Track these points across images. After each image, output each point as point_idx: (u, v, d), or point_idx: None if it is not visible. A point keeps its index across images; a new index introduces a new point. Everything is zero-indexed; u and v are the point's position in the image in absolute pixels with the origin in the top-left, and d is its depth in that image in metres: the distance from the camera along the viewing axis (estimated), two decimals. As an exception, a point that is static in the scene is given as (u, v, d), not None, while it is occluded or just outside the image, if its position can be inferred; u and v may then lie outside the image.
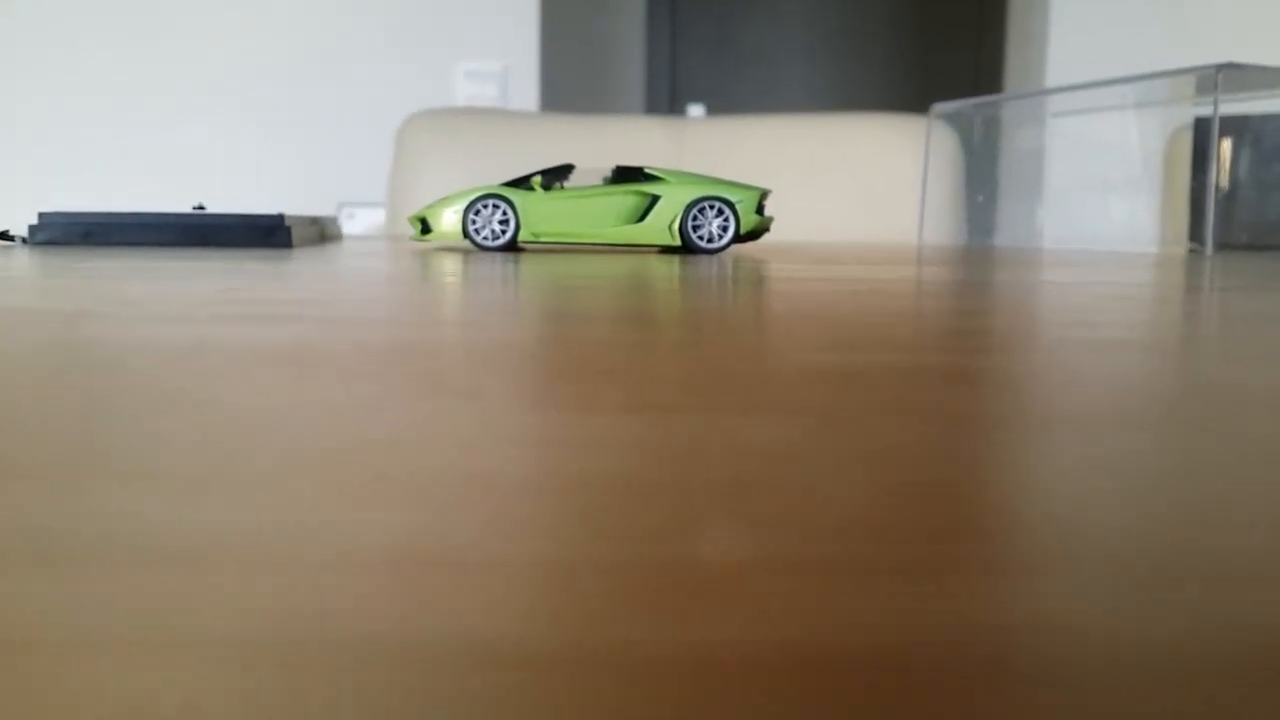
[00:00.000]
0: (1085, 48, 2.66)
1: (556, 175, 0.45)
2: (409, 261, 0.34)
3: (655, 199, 0.43)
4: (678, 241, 0.43)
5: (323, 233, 0.54)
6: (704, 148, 1.12)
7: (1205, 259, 0.48)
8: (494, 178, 1.09)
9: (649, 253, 0.44)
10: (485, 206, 0.43)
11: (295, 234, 0.46)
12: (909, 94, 3.33)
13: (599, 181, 0.46)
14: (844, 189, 1.11)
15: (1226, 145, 0.71)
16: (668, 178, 0.44)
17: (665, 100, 3.35)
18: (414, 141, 1.11)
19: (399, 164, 1.11)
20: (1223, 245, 0.74)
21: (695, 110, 3.35)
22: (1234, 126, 0.71)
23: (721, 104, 3.35)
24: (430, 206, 0.43)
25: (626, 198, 0.43)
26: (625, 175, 0.44)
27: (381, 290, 0.21)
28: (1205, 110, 0.74)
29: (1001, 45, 3.21)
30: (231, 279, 0.24)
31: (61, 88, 2.38)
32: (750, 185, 0.44)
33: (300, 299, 0.19)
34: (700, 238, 0.43)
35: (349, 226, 2.29)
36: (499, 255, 0.41)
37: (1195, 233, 0.77)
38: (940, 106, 0.65)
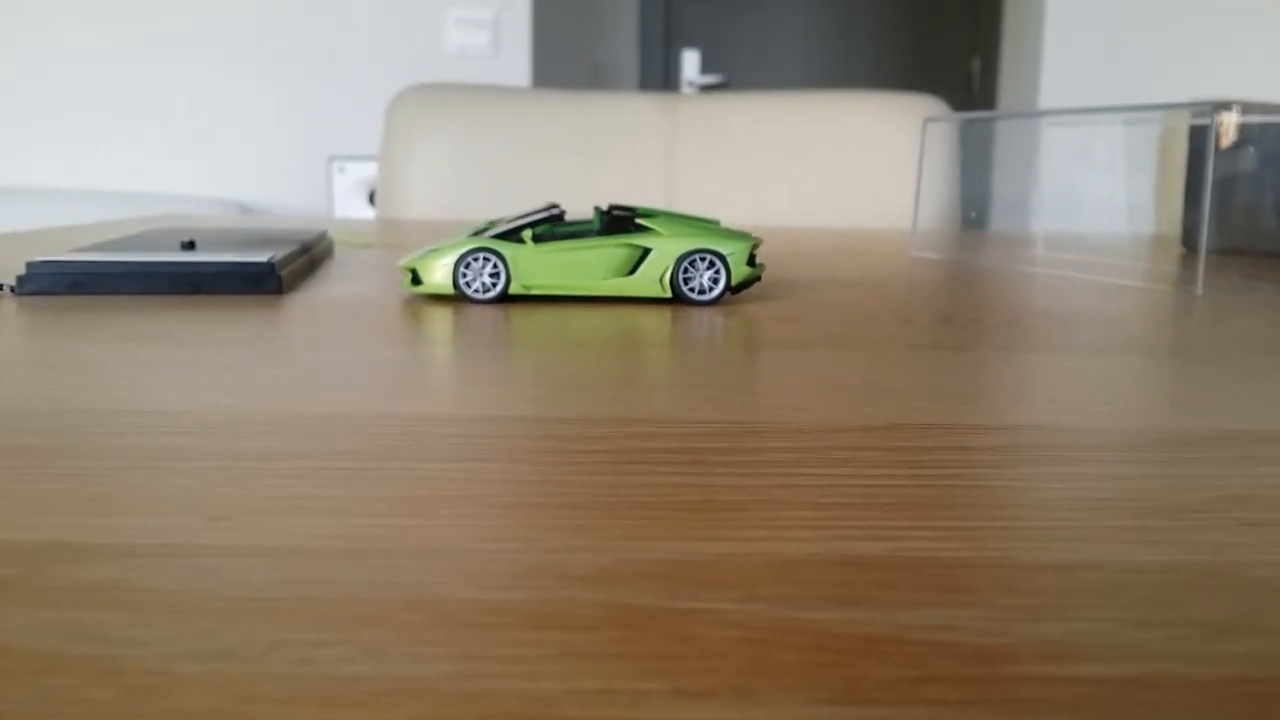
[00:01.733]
0: (1082, 16, 2.63)
1: (546, 221, 0.45)
2: (400, 329, 0.34)
3: (646, 251, 0.43)
4: (669, 294, 0.43)
5: (312, 260, 0.54)
6: (696, 124, 1.11)
7: (1195, 296, 0.48)
8: (484, 154, 1.09)
9: (640, 305, 0.44)
10: (476, 259, 0.43)
11: (288, 275, 0.46)
12: (904, 45, 3.29)
13: (588, 224, 0.46)
14: (837, 168, 1.10)
15: (1230, 149, 0.71)
16: (659, 229, 0.43)
17: (660, 45, 3.30)
18: (404, 116, 1.10)
19: (389, 139, 1.10)
20: (1221, 250, 0.74)
21: (690, 56, 3.31)
22: (1230, 131, 0.71)
23: (716, 48, 3.31)
24: (421, 257, 0.43)
25: (617, 250, 0.43)
26: (616, 225, 0.44)
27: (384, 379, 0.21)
28: (1202, 120, 0.73)
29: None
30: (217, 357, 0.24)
31: (51, 40, 2.33)
32: (742, 235, 0.44)
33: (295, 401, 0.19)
34: (691, 290, 0.43)
35: (340, 180, 2.27)
36: (493, 311, 0.41)
37: (1186, 238, 0.77)
38: (931, 122, 0.65)
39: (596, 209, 0.46)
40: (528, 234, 0.43)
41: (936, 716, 0.12)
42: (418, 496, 0.19)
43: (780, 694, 0.12)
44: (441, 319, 0.39)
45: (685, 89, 3.30)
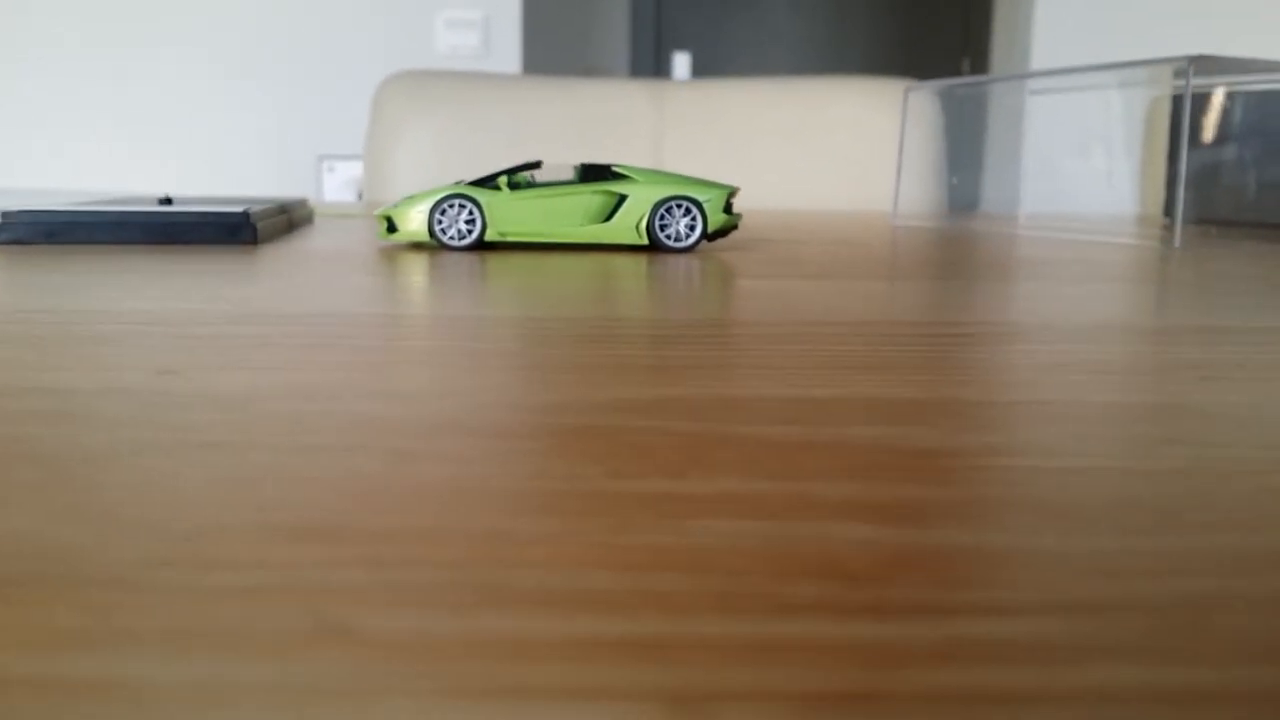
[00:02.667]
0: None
1: (524, 172, 0.45)
2: (377, 265, 0.34)
3: (622, 198, 0.43)
4: (645, 241, 0.43)
5: (290, 220, 0.54)
6: (685, 111, 1.11)
7: (1172, 248, 0.48)
8: (472, 141, 1.09)
9: (617, 251, 0.44)
10: (451, 206, 0.42)
11: (264, 227, 0.46)
12: (895, 44, 3.30)
13: (566, 178, 0.46)
14: (826, 153, 1.10)
15: (1212, 118, 0.71)
16: (635, 176, 0.43)
17: (650, 47, 3.31)
18: (391, 104, 1.10)
19: (375, 126, 1.10)
20: (1201, 220, 0.74)
21: (680, 58, 3.31)
22: (1213, 101, 0.71)
23: (707, 51, 3.32)
24: (396, 206, 0.43)
25: (594, 197, 0.43)
26: (592, 173, 0.44)
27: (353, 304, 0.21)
28: (1178, 81, 0.73)
29: (990, -6, 3.18)
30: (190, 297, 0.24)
31: (40, 41, 2.33)
32: (718, 184, 0.44)
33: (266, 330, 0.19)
34: (668, 237, 0.43)
35: (329, 179, 2.27)
36: (469, 256, 0.41)
37: (1169, 208, 0.77)
38: (914, 89, 0.65)
39: (574, 167, 0.46)
40: (503, 181, 0.43)
41: (869, 490, 0.12)
42: (376, 362, 0.19)
43: (713, 478, 0.12)
44: (417, 261, 0.39)
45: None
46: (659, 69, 3.33)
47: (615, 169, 0.44)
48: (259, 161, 2.39)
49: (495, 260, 0.39)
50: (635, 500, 0.11)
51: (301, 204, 0.60)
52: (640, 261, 0.39)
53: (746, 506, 0.11)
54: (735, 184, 1.10)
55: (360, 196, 2.32)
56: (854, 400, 0.16)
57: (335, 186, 2.26)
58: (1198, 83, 0.69)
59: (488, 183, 0.43)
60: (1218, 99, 0.71)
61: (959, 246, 0.50)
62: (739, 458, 0.13)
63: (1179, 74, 0.59)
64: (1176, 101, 0.74)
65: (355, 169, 2.26)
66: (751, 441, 0.14)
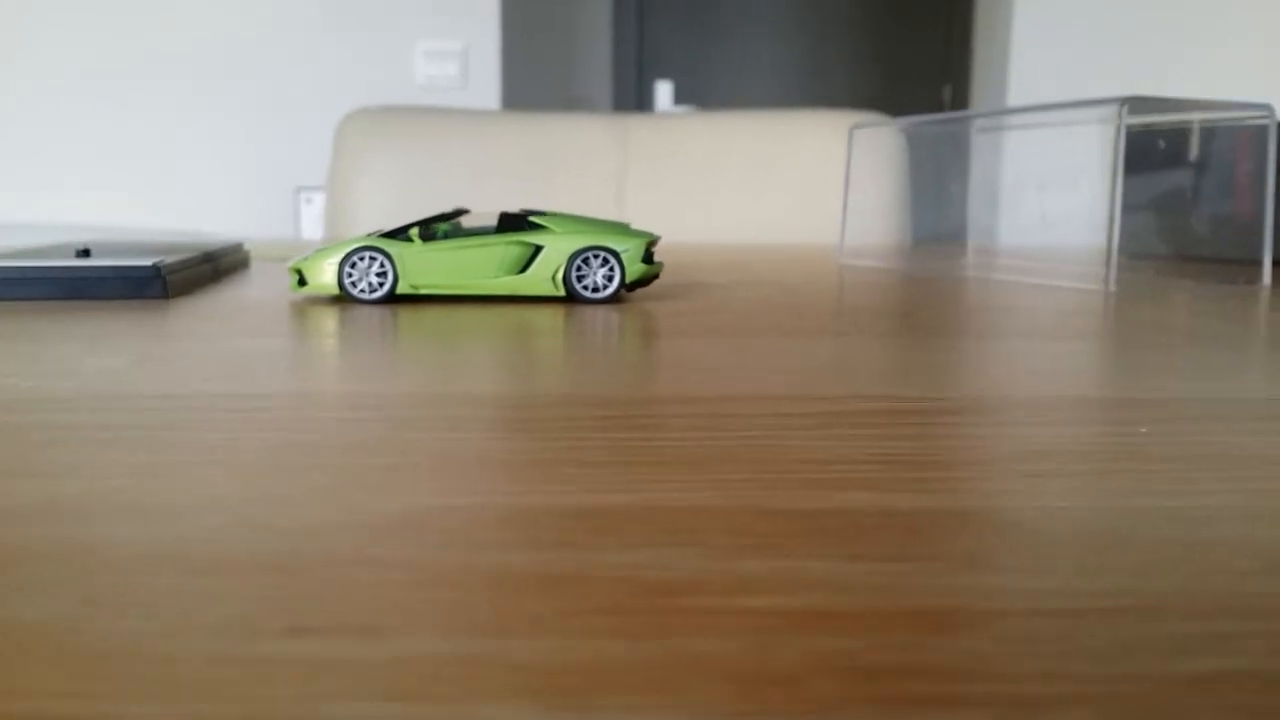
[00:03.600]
0: (1050, 23, 2.66)
1: (445, 221, 0.44)
2: (275, 324, 0.33)
3: (538, 249, 0.42)
4: (562, 291, 0.42)
5: (216, 269, 0.53)
6: (649, 145, 1.11)
7: (1106, 294, 0.48)
8: (434, 177, 1.08)
9: (535, 303, 0.43)
10: (362, 259, 0.42)
11: (177, 280, 0.45)
12: (877, 73, 3.32)
13: (487, 227, 0.45)
14: (790, 186, 1.10)
15: (1155, 155, 0.71)
16: (552, 226, 0.43)
17: (633, 77, 3.32)
18: (353, 139, 1.09)
19: (338, 161, 1.10)
20: (1152, 255, 0.73)
21: (663, 87, 3.33)
22: (1174, 137, 0.71)
23: (689, 81, 3.33)
24: (308, 258, 0.42)
25: (509, 248, 0.42)
26: (509, 223, 0.43)
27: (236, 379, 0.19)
28: (1139, 123, 0.73)
29: (969, 23, 3.20)
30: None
31: (16, 75, 2.32)
32: (637, 232, 0.44)
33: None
34: (585, 287, 0.43)
35: (306, 211, 2.27)
36: (379, 310, 0.40)
37: (1122, 244, 0.77)
38: (858, 128, 0.64)
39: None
40: (414, 232, 0.42)
41: (569, 646, 0.11)
42: (171, 463, 0.18)
43: (408, 628, 0.11)
44: (319, 318, 0.38)
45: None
46: (641, 98, 3.34)
47: (532, 219, 0.43)
48: (238, 194, 2.39)
49: (404, 315, 0.38)
50: (291, 669, 0.10)
51: (235, 249, 0.60)
52: (555, 314, 0.38)
53: (407, 680, 0.10)
54: (695, 218, 1.10)
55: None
56: (644, 510, 0.15)
57: (313, 218, 2.25)
58: (1147, 120, 0.68)
59: (400, 234, 0.43)
60: (1171, 133, 0.70)
61: (893, 293, 0.49)
62: (452, 600, 0.12)
63: (1119, 113, 0.58)
64: (1130, 137, 0.74)
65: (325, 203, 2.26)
66: (478, 573, 0.13)
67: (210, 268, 0.52)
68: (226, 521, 0.15)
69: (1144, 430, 0.21)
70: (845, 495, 0.16)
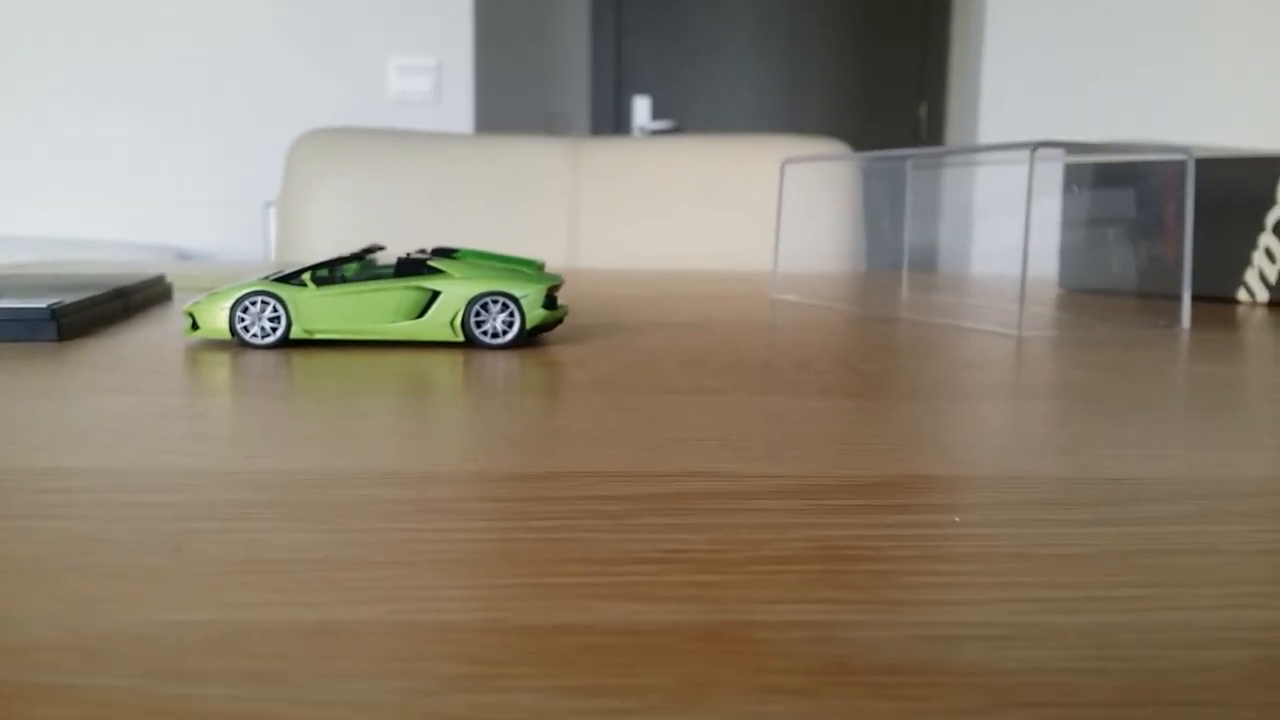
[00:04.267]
0: (1023, 29, 2.68)
1: (357, 260, 0.44)
2: (155, 373, 0.33)
3: (435, 294, 0.42)
4: (460, 337, 0.42)
5: (127, 306, 0.52)
6: (602, 168, 1.11)
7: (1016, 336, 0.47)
8: (386, 199, 1.08)
9: (433, 348, 0.42)
10: (254, 303, 0.41)
11: (73, 321, 0.45)
12: (854, 91, 3.33)
13: (383, 273, 0.44)
14: (743, 210, 1.10)
15: (1082, 195, 0.71)
16: (451, 270, 0.42)
17: (610, 94, 3.32)
18: (304, 162, 1.09)
19: (288, 184, 1.09)
20: (1081, 290, 0.73)
21: (641, 102, 3.33)
22: (1111, 174, 0.71)
23: (667, 96, 3.34)
24: (199, 302, 0.42)
25: (406, 293, 0.42)
26: (407, 268, 0.43)
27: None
28: (1075, 159, 0.73)
29: (945, 41, 3.22)
30: None
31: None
32: (541, 276, 0.43)
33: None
34: (484, 333, 0.42)
35: (275, 225, 2.26)
36: (261, 361, 0.39)
37: (1062, 278, 0.77)
38: (789, 162, 0.64)
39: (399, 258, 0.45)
40: (308, 276, 0.42)
41: None
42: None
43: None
44: (204, 365, 0.37)
45: (636, 134, 3.32)
46: (619, 114, 3.34)
47: (431, 263, 0.43)
48: (208, 207, 2.38)
49: (296, 362, 0.37)
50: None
51: (156, 281, 0.59)
52: (449, 362, 0.38)
53: None
54: (647, 242, 1.10)
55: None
56: (357, 624, 0.15)
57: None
58: (1081, 159, 0.68)
59: (294, 279, 0.42)
60: (1102, 171, 0.71)
61: (810, 335, 0.49)
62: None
63: (1030, 158, 0.58)
64: (1069, 172, 0.74)
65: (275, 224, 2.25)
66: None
67: (120, 304, 0.51)
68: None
69: (957, 519, 0.20)
70: (597, 606, 0.16)
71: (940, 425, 0.29)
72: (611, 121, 3.33)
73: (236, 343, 0.43)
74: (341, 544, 0.18)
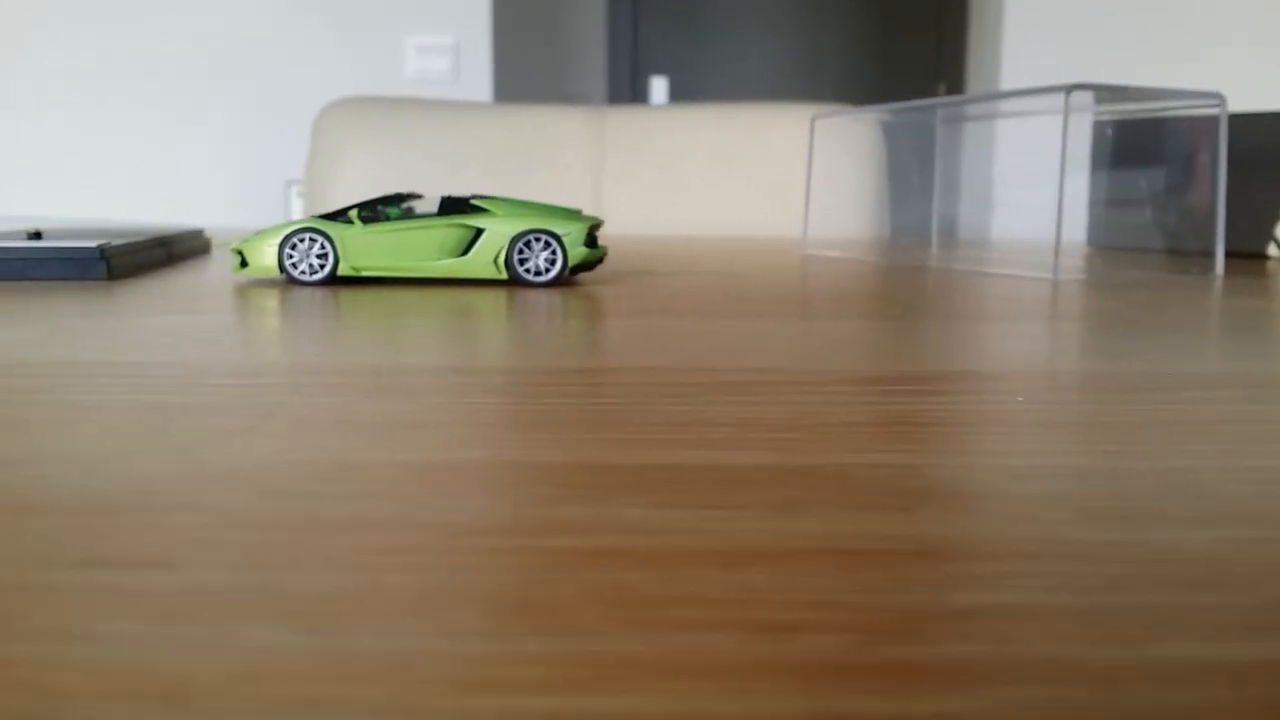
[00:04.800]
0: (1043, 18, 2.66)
1: (395, 204, 0.44)
2: (206, 303, 0.33)
3: (479, 232, 0.43)
4: (504, 275, 0.43)
5: (171, 253, 0.53)
6: (624, 137, 1.11)
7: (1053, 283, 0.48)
8: (410, 168, 1.08)
9: (476, 285, 0.43)
10: (302, 240, 0.42)
11: (122, 262, 0.45)
12: (871, 69, 3.32)
13: (427, 212, 0.45)
14: (764, 179, 1.10)
15: (1118, 145, 0.71)
16: (494, 209, 0.43)
17: (627, 73, 3.32)
18: (331, 131, 1.09)
19: (315, 153, 1.10)
20: (1111, 246, 0.74)
21: (658, 82, 3.32)
22: (1141, 130, 0.71)
23: (684, 77, 3.33)
24: (249, 240, 0.43)
25: (450, 230, 0.42)
26: (451, 206, 0.43)
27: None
28: (1108, 115, 0.73)
29: (963, 20, 3.20)
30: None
31: (9, 71, 2.32)
32: (581, 216, 0.44)
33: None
34: (527, 271, 0.43)
35: (296, 204, 2.27)
36: (319, 290, 0.40)
37: (1090, 235, 0.77)
38: (819, 117, 0.64)
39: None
40: (355, 214, 0.43)
41: (348, 579, 0.11)
42: (44, 419, 0.18)
43: (200, 563, 0.11)
44: (252, 298, 0.38)
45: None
46: (636, 95, 3.34)
47: (474, 202, 0.43)
48: (229, 187, 2.39)
49: (343, 296, 0.38)
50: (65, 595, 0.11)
51: (195, 235, 0.60)
52: (493, 297, 0.39)
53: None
54: (670, 209, 1.10)
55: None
56: (474, 465, 0.15)
57: (302, 211, 2.25)
58: (1113, 109, 0.68)
59: (340, 216, 0.43)
60: (1133, 124, 0.71)
61: (845, 280, 0.49)
62: (232, 546, 0.12)
63: (1089, 102, 0.58)
64: (1097, 129, 0.74)
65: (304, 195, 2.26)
66: (274, 525, 0.13)
67: (164, 252, 0.52)
68: (62, 471, 0.15)
69: (1020, 399, 0.21)
70: (682, 453, 0.16)
71: (981, 338, 0.30)
72: (628, 103, 3.32)
73: (285, 280, 0.44)
74: (427, 411, 0.19)
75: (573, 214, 0.44)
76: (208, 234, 0.63)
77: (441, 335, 0.29)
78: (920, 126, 0.88)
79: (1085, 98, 0.53)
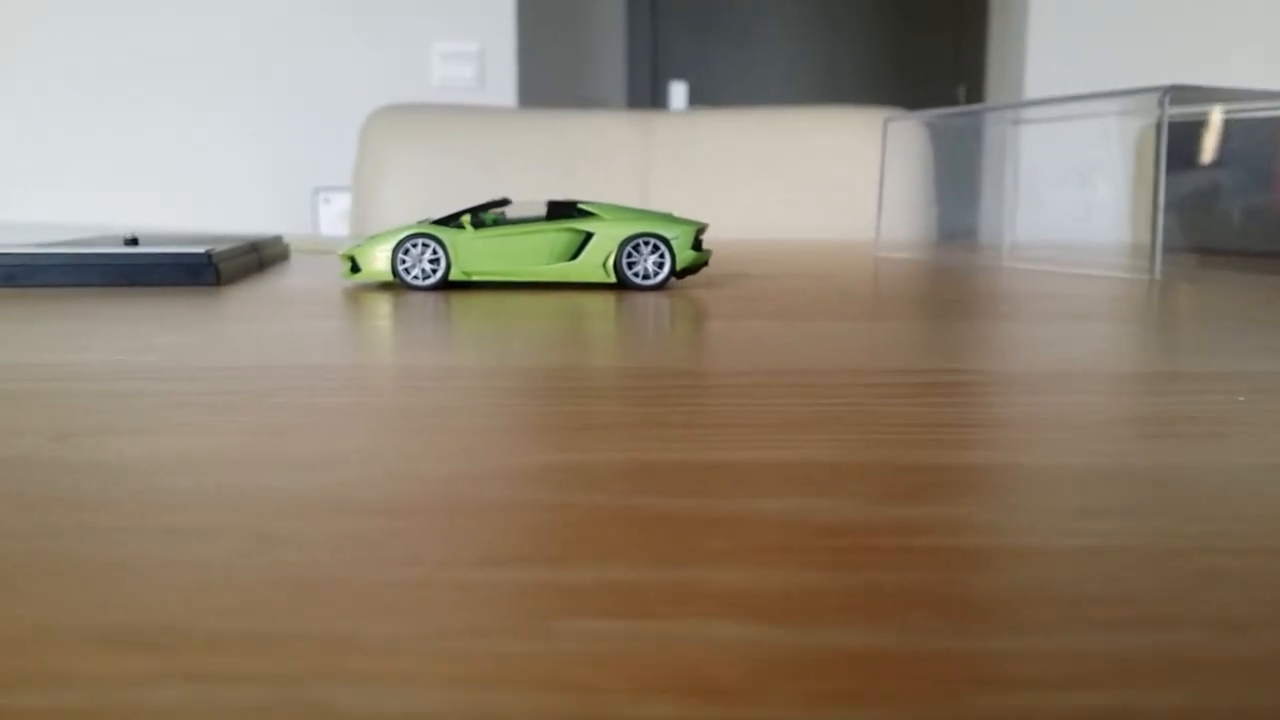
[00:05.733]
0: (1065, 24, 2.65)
1: (492, 209, 0.44)
2: (333, 308, 0.33)
3: (589, 236, 0.42)
4: (613, 278, 0.43)
5: (261, 259, 0.53)
6: (672, 142, 1.11)
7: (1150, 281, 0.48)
8: (459, 174, 1.08)
9: (584, 290, 0.43)
10: (415, 245, 0.42)
11: (228, 268, 0.46)
12: (890, 73, 3.32)
13: (534, 215, 0.45)
14: (812, 183, 1.10)
15: (1198, 146, 0.71)
16: (602, 214, 0.43)
17: (647, 78, 3.32)
18: (379, 137, 1.10)
19: (363, 159, 1.10)
20: (1188, 249, 0.73)
21: (677, 87, 3.33)
22: (1199, 129, 0.71)
23: (703, 82, 3.33)
24: (360, 245, 0.43)
25: (559, 235, 0.42)
26: (558, 211, 0.43)
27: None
28: (1179, 117, 0.73)
29: (983, 23, 3.20)
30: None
31: (24, 74, 2.33)
32: (686, 220, 0.44)
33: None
34: (635, 274, 0.43)
35: (325, 211, 2.27)
36: (432, 295, 0.40)
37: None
38: (894, 119, 0.64)
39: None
40: (467, 219, 0.43)
41: (759, 579, 0.11)
42: (285, 424, 0.18)
43: (594, 563, 0.11)
44: (375, 303, 0.38)
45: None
46: (656, 100, 3.34)
47: (581, 206, 0.43)
48: (255, 194, 2.39)
49: (457, 301, 0.38)
50: (501, 593, 0.11)
51: (276, 241, 0.60)
52: (606, 301, 0.39)
53: (620, 600, 0.10)
54: (719, 215, 1.10)
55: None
56: (775, 465, 0.15)
57: (331, 218, 2.26)
58: (1181, 111, 0.68)
59: (451, 221, 0.43)
60: (1207, 126, 0.70)
61: (938, 281, 0.49)
62: (628, 538, 0.12)
63: (1160, 103, 0.58)
64: (1158, 130, 0.74)
65: (350, 200, 2.26)
66: (649, 517, 0.13)
67: (255, 257, 0.52)
68: (372, 472, 0.15)
69: (1241, 399, 0.21)
70: (959, 454, 0.16)
71: (1142, 338, 0.30)
72: (648, 108, 3.32)
73: (397, 284, 0.44)
74: (679, 414, 0.19)
75: (677, 218, 0.44)
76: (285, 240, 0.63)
77: (560, 336, 0.29)
78: (966, 130, 0.87)
79: (1150, 100, 0.53)
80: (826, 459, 0.16)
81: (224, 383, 0.22)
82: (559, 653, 0.09)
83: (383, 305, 0.37)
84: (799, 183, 1.10)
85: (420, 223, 0.43)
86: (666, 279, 0.43)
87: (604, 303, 0.38)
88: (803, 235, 1.11)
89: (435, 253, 0.42)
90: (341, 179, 2.42)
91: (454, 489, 0.14)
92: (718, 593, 0.11)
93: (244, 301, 0.38)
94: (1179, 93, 0.49)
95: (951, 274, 0.53)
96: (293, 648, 0.09)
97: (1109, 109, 0.58)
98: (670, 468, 0.15)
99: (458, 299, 0.39)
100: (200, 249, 0.44)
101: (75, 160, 2.36)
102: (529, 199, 1.10)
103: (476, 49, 2.42)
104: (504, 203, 0.46)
